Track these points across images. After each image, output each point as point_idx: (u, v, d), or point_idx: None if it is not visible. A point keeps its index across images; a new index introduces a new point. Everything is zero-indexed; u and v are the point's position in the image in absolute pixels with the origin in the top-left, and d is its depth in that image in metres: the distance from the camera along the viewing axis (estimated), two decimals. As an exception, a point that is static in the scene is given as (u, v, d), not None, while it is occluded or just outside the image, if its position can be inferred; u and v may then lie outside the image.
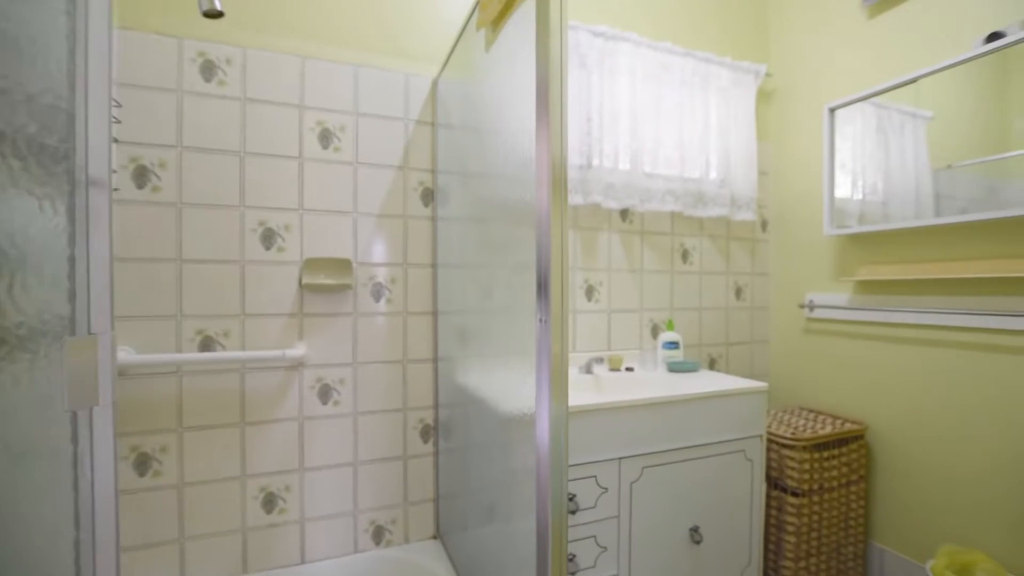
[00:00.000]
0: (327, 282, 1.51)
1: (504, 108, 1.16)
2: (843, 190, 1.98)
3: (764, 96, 2.29)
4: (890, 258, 1.85)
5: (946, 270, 1.64)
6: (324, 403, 1.55)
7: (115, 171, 1.27)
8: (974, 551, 1.51)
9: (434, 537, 1.72)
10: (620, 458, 1.44)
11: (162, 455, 1.38)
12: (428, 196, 1.69)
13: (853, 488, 1.85)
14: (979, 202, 1.53)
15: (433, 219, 1.70)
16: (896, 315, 1.79)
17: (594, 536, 1.42)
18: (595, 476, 1.41)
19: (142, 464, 1.36)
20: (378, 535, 1.63)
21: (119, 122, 1.25)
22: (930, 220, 1.64)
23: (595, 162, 1.87)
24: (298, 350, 1.48)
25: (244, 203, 1.45)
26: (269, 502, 1.49)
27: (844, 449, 1.81)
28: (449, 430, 1.63)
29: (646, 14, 2.04)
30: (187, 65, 1.39)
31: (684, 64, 2.06)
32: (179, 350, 1.39)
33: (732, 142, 2.15)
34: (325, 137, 1.54)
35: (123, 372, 1.33)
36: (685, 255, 2.11)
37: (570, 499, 1.38)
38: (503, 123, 1.16)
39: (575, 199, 1.83)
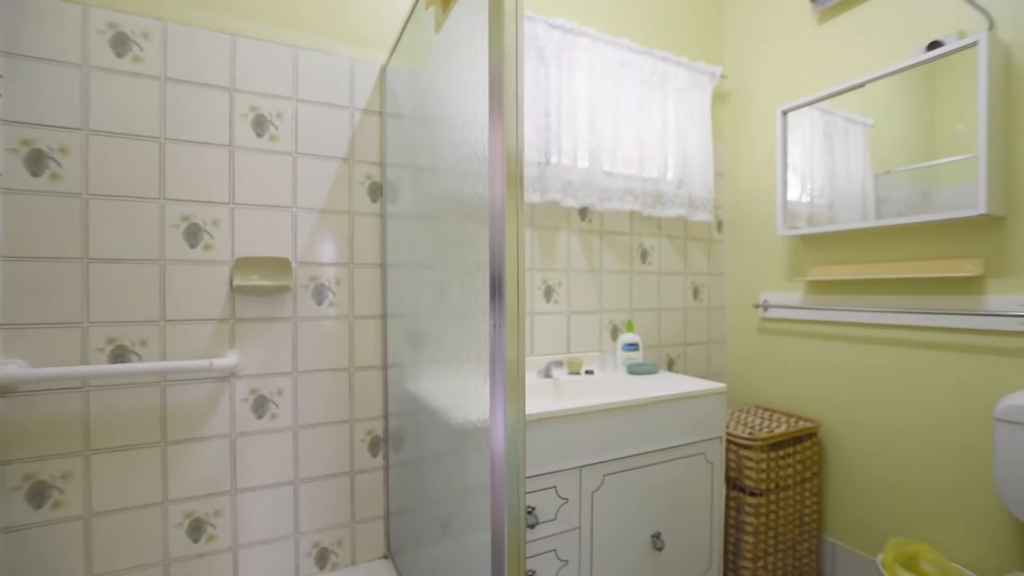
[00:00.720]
0: (262, 283, 1.35)
1: (457, 97, 1.04)
2: (793, 192, 1.97)
3: (719, 98, 2.27)
4: (838, 259, 1.85)
5: (889, 270, 1.66)
6: (260, 417, 1.38)
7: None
8: (918, 543, 1.52)
9: (384, 557, 1.57)
10: (581, 467, 1.35)
11: (64, 483, 1.17)
12: (376, 191, 1.55)
13: (807, 485, 1.83)
14: (913, 206, 1.58)
15: (382, 216, 1.55)
16: (845, 314, 1.80)
17: (555, 549, 1.33)
18: (555, 487, 1.31)
19: (38, 494, 1.15)
20: (322, 558, 1.48)
21: (-1, 95, 1.06)
22: (872, 222, 1.67)
23: (553, 159, 1.79)
24: (229, 359, 1.31)
25: (164, 195, 1.27)
26: (196, 529, 1.32)
27: (799, 447, 1.79)
28: (400, 442, 1.51)
29: (604, 9, 1.96)
30: (94, 37, 1.20)
31: (643, 62, 2.00)
32: (86, 362, 1.19)
33: (689, 143, 2.10)
34: (260, 124, 1.38)
35: (12, 389, 1.13)
36: (644, 255, 2.05)
37: (529, 512, 1.29)
38: (456, 114, 1.04)
39: (532, 197, 1.74)
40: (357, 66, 1.51)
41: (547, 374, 1.73)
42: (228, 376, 1.33)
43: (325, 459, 1.47)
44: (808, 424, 1.83)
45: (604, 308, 1.94)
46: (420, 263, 1.33)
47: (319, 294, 1.46)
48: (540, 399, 1.52)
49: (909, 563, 1.50)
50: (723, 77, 2.23)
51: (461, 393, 1.06)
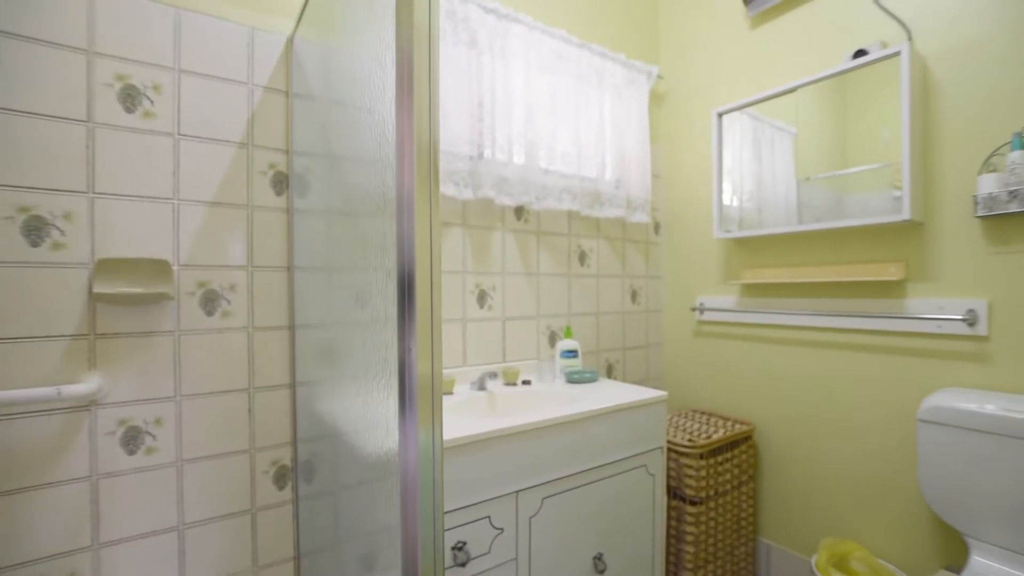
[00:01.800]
0: (132, 291, 1.11)
1: (370, 75, 0.88)
2: (725, 195, 1.95)
3: (655, 98, 2.22)
4: (769, 262, 1.85)
5: (817, 274, 1.67)
6: (131, 453, 1.13)
7: None
8: (848, 541, 1.53)
9: (293, 604, 1.38)
10: (517, 491, 1.21)
11: None
12: (282, 182, 1.32)
13: (744, 489, 1.80)
14: (830, 212, 1.62)
15: (288, 211, 1.33)
16: (776, 317, 1.81)
17: (489, 586, 1.20)
18: (489, 516, 1.16)
19: None
20: (216, 613, 1.27)
21: None
22: (795, 227, 1.69)
23: (487, 153, 1.65)
24: (87, 384, 1.06)
25: (-6, 180, 1.01)
26: (43, 598, 1.06)
27: (736, 451, 1.75)
28: (312, 471, 1.30)
29: (540, -3, 1.87)
30: None
31: (580, 56, 1.90)
32: None
33: (627, 142, 2.01)
34: (129, 97, 1.12)
35: None
36: (582, 257, 1.96)
37: (460, 548, 1.12)
38: (369, 95, 0.87)
39: (464, 193, 1.59)
40: (257, 36, 1.29)
41: (481, 386, 1.59)
42: (87, 405, 1.08)
43: (219, 497, 1.24)
44: (744, 427, 1.81)
45: (541, 313, 1.83)
46: (332, 266, 1.16)
47: (209, 303, 1.23)
48: (473, 416, 1.39)
49: (840, 563, 1.51)
50: (660, 77, 2.20)
51: (373, 414, 0.89)
